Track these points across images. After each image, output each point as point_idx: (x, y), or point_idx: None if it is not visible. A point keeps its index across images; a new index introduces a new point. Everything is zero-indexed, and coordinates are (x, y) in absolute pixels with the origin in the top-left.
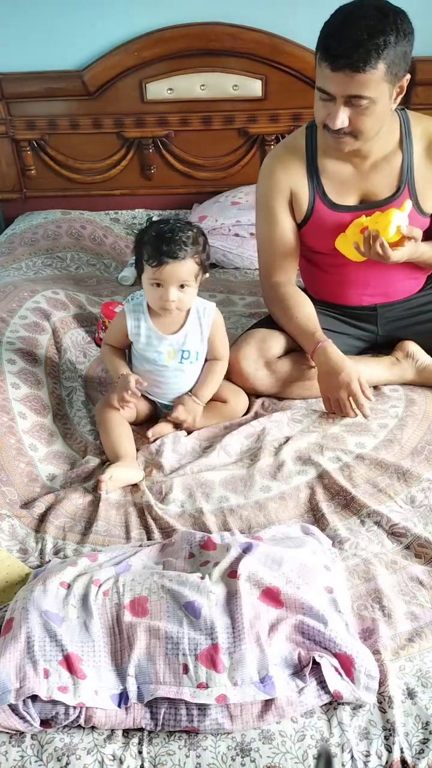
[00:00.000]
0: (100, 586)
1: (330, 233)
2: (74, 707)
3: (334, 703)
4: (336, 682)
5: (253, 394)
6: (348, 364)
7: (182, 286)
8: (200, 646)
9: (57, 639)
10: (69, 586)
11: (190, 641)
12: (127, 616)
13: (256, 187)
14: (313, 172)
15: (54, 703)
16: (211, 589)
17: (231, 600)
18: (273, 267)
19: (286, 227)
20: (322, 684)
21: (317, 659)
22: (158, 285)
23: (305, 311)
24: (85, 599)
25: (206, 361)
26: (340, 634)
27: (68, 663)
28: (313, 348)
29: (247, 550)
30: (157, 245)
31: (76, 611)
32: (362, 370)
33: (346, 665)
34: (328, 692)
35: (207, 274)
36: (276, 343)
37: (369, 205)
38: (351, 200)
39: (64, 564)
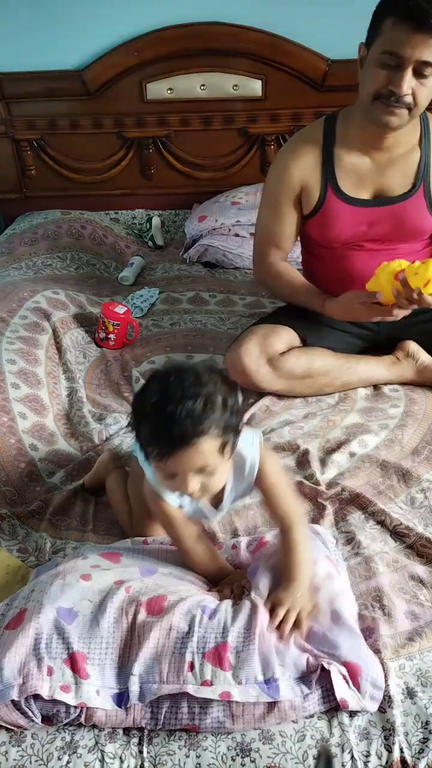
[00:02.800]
0: (121, 585)
1: (338, 226)
2: (75, 707)
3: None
4: (343, 690)
5: (255, 392)
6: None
7: (202, 469)
8: (208, 644)
9: (65, 636)
10: (89, 581)
11: (199, 639)
12: (142, 614)
13: (267, 174)
14: (328, 163)
15: (55, 701)
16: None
17: (246, 606)
18: (268, 253)
19: (289, 222)
20: (327, 692)
21: (326, 666)
22: (171, 476)
23: (303, 278)
24: (103, 595)
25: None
26: (347, 641)
27: (72, 661)
28: (323, 302)
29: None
30: (155, 427)
31: (91, 606)
32: (363, 369)
33: (353, 674)
34: (332, 700)
35: (240, 433)
36: (278, 339)
37: (382, 200)
38: (365, 194)
39: (85, 562)
